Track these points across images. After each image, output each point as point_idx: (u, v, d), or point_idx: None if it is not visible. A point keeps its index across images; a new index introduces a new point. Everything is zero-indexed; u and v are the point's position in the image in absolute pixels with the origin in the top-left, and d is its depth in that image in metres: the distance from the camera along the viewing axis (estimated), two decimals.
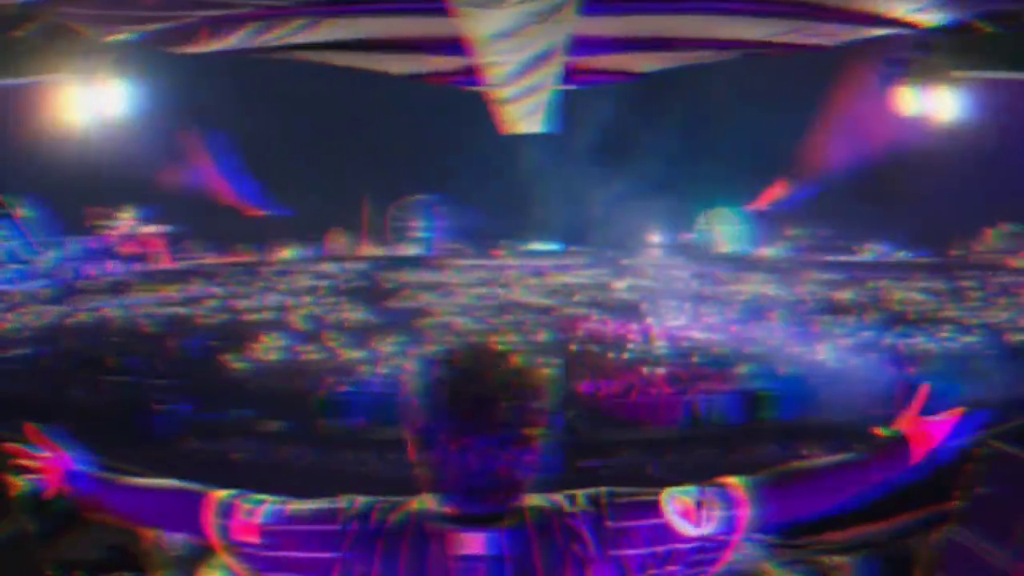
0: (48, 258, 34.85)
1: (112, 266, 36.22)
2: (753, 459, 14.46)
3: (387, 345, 22.11)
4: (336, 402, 17.41)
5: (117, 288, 33.24)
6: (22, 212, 34.28)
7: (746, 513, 1.98)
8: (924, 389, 2.21)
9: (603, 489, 2.00)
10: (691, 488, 2.02)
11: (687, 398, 17.54)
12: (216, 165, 34.12)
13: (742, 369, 18.61)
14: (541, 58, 5.96)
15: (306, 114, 35.36)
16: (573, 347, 21.16)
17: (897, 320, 24.97)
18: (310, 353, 21.71)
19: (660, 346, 21.66)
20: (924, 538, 4.33)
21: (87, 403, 16.76)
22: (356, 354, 21.46)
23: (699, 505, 1.97)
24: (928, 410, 2.18)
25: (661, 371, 18.79)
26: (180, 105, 24.70)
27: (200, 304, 30.22)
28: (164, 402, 16.72)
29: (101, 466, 2.25)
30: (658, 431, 16.70)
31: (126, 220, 38.10)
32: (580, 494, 1.99)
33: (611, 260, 35.12)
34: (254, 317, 27.25)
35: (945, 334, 22.86)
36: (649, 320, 24.89)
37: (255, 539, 1.99)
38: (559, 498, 1.99)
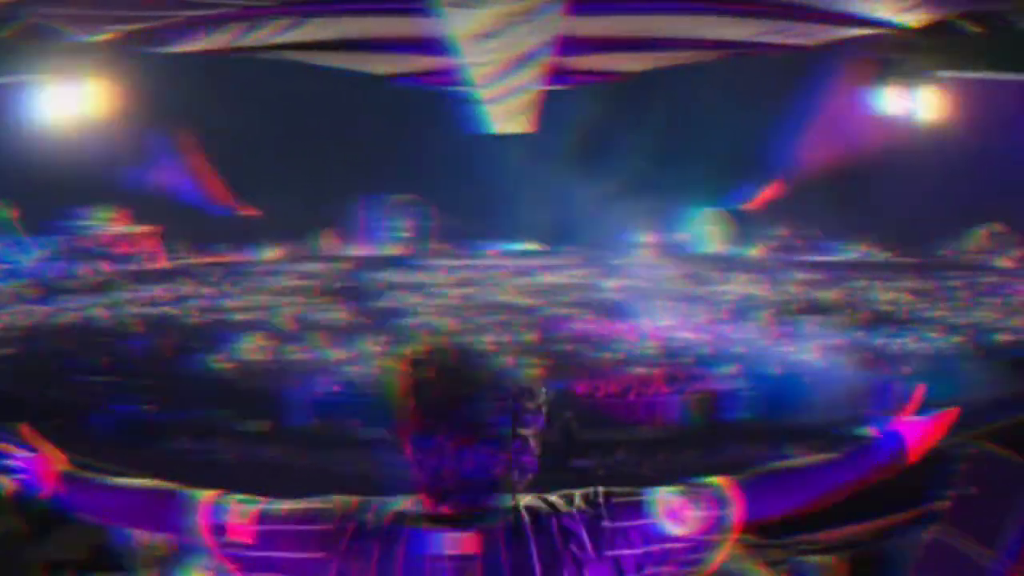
0: (31, 258, 34.56)
1: (98, 265, 35.94)
2: (740, 459, 14.47)
3: (372, 345, 22.04)
4: (321, 402, 17.32)
5: (102, 288, 32.99)
6: (5, 212, 34.00)
7: (737, 512, 1.99)
8: (912, 389, 2.22)
9: (599, 489, 2.00)
10: (681, 487, 2.02)
11: (674, 398, 17.56)
12: (198, 164, 33.95)
13: (728, 369, 18.62)
14: (526, 58, 5.95)
15: (291, 114, 35.22)
16: (560, 347, 21.15)
17: (883, 320, 25.04)
18: (294, 353, 21.62)
19: (647, 346, 21.66)
20: (910, 538, 4.34)
21: (70, 403, 16.62)
22: (340, 354, 21.39)
23: (689, 504, 1.97)
24: (915, 410, 2.18)
25: (647, 371, 18.79)
26: (163, 104, 24.58)
27: (184, 304, 30.04)
28: (132, 402, 16.55)
29: (88, 466, 2.24)
30: (646, 431, 16.70)
31: (109, 220, 37.79)
32: (576, 494, 1.99)
33: (597, 260, 35.08)
34: (237, 317, 27.10)
35: (932, 334, 22.96)
36: (635, 320, 24.90)
37: (246, 539, 1.98)
38: (555, 498, 1.98)
